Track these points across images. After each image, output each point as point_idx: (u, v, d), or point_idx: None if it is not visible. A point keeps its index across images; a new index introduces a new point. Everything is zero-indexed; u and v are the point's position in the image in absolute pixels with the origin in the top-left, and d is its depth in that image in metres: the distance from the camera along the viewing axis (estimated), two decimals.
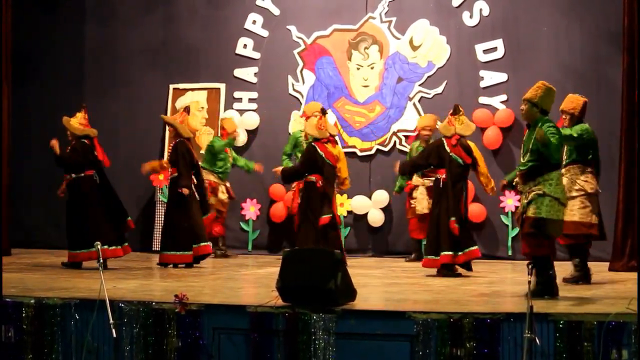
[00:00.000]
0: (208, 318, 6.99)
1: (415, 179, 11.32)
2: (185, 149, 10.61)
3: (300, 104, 12.76)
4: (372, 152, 12.56)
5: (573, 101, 9.12)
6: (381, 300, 7.79)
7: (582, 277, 8.89)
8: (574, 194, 8.86)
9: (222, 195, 11.94)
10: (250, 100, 12.92)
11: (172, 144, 10.88)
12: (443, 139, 10.06)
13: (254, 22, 12.90)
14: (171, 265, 10.50)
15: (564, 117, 9.09)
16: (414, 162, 10.50)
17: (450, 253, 9.57)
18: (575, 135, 8.84)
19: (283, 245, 12.34)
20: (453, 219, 9.58)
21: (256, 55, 12.89)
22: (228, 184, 12.09)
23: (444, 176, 9.87)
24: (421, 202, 11.29)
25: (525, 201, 7.67)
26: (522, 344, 6.36)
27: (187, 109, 11.01)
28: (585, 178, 8.97)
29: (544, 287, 7.63)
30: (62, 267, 10.18)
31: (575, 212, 8.82)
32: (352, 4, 12.71)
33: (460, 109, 10.22)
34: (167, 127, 11.10)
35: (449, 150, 9.89)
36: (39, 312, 7.20)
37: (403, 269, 10.63)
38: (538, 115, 7.77)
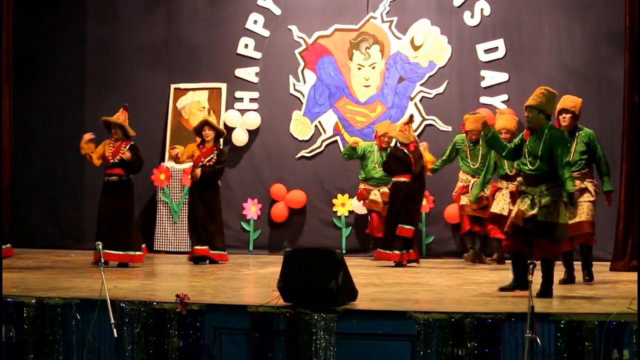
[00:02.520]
0: (209, 318, 6.99)
1: (500, 182, 10.87)
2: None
3: (302, 103, 12.77)
4: None
5: (573, 100, 9.06)
6: (382, 300, 7.78)
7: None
8: (586, 198, 8.90)
9: (374, 197, 11.89)
10: (252, 100, 12.94)
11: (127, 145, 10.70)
12: (402, 147, 10.84)
13: (255, 22, 12.91)
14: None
15: (563, 116, 8.96)
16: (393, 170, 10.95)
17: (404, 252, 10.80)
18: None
19: (284, 245, 12.36)
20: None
21: (257, 55, 12.90)
22: (382, 189, 11.82)
23: (409, 180, 10.79)
24: (498, 203, 10.67)
25: (537, 206, 7.66)
26: (523, 344, 6.35)
27: (125, 107, 10.90)
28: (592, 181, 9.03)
29: (549, 289, 7.77)
30: None
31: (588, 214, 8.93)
32: (353, 4, 12.72)
33: (413, 120, 11.28)
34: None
35: (410, 156, 10.73)
36: (40, 312, 7.20)
37: (404, 269, 10.63)
38: (544, 121, 7.80)
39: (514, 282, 7.85)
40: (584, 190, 8.91)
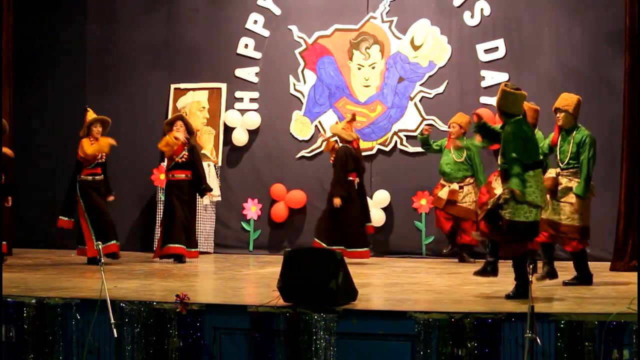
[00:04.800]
0: (209, 318, 6.99)
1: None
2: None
3: (302, 103, 12.77)
4: (373, 152, 12.56)
5: (567, 98, 8.88)
6: (382, 300, 7.79)
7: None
8: (570, 199, 8.78)
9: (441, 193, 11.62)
10: (252, 100, 12.93)
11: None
12: (347, 144, 11.19)
13: (255, 22, 12.90)
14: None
15: (557, 115, 8.86)
16: (340, 178, 11.12)
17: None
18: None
19: (284, 245, 12.35)
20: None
21: (257, 55, 12.90)
22: (452, 186, 11.51)
23: (357, 179, 11.18)
24: None
25: (496, 201, 7.72)
26: (523, 344, 6.36)
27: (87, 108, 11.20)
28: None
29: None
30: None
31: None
32: (353, 3, 12.71)
33: (355, 119, 11.67)
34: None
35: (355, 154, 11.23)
36: (40, 312, 7.21)
37: (404, 269, 10.63)
38: (504, 118, 7.86)
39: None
40: (569, 190, 8.79)
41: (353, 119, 11.59)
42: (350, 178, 11.15)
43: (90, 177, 10.82)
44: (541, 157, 8.10)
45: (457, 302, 7.40)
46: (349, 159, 11.12)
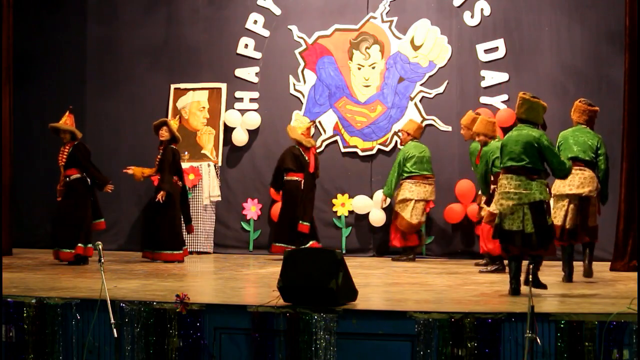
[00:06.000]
0: (209, 318, 6.99)
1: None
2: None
3: (302, 103, 12.77)
4: (374, 152, 12.57)
5: None
6: (382, 300, 7.79)
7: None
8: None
9: None
10: (252, 100, 12.93)
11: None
12: (299, 147, 11.71)
13: (255, 22, 12.90)
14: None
15: None
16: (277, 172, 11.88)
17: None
18: None
19: None
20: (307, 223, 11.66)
21: (257, 55, 12.90)
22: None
23: (303, 180, 11.68)
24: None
25: None
26: (523, 344, 6.36)
27: (70, 110, 11.19)
28: None
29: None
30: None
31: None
32: (353, 3, 12.72)
33: (315, 125, 12.25)
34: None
35: (307, 158, 11.69)
36: (40, 312, 7.21)
37: (404, 269, 10.63)
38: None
39: None
40: None
41: (313, 124, 12.09)
42: (293, 178, 11.73)
43: (67, 179, 10.89)
44: (510, 164, 7.92)
45: (457, 302, 7.40)
46: (287, 159, 11.72)
